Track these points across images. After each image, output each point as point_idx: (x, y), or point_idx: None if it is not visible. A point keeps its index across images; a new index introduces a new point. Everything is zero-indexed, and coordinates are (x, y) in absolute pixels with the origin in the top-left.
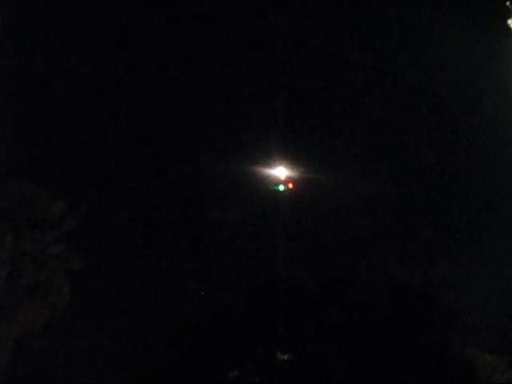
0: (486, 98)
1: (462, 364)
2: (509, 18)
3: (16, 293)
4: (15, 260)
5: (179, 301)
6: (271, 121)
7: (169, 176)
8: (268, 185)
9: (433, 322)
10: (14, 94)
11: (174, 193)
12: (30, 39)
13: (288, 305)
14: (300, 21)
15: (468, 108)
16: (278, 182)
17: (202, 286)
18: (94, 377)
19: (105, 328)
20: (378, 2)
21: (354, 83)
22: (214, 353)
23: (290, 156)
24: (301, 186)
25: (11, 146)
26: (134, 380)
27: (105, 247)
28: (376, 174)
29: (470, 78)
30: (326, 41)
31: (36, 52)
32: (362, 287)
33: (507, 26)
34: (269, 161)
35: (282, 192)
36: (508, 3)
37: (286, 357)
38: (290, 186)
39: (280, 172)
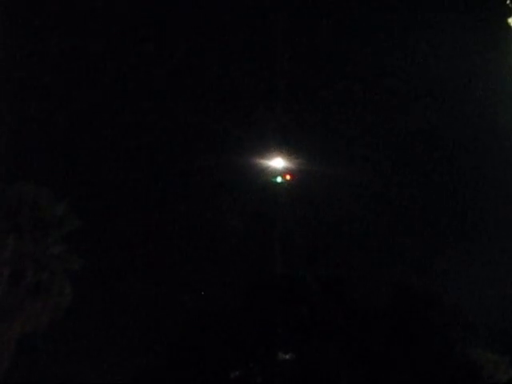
0: (486, 96)
1: (464, 363)
2: (509, 16)
3: (17, 293)
4: (17, 260)
5: (180, 301)
6: (269, 113)
7: (168, 173)
8: (266, 176)
9: (434, 321)
10: (16, 96)
11: (174, 192)
12: (30, 39)
13: (288, 305)
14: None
15: (468, 106)
16: (275, 174)
17: (203, 286)
18: (94, 377)
19: (106, 328)
20: (378, 1)
21: (353, 76)
22: (216, 353)
23: (288, 147)
24: (299, 177)
25: (13, 147)
26: (135, 380)
27: (105, 247)
28: (374, 166)
29: (470, 77)
30: (325, 39)
31: (38, 52)
32: (362, 287)
33: (507, 24)
34: (266, 152)
35: (279, 183)
36: (508, 2)
37: (287, 356)
38: (288, 177)
39: (278, 163)
